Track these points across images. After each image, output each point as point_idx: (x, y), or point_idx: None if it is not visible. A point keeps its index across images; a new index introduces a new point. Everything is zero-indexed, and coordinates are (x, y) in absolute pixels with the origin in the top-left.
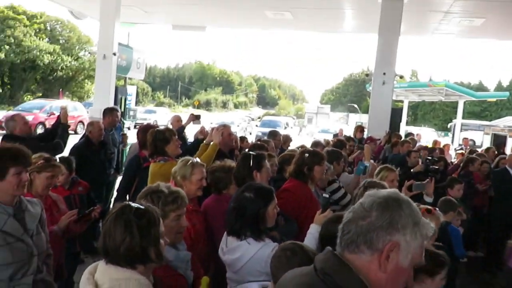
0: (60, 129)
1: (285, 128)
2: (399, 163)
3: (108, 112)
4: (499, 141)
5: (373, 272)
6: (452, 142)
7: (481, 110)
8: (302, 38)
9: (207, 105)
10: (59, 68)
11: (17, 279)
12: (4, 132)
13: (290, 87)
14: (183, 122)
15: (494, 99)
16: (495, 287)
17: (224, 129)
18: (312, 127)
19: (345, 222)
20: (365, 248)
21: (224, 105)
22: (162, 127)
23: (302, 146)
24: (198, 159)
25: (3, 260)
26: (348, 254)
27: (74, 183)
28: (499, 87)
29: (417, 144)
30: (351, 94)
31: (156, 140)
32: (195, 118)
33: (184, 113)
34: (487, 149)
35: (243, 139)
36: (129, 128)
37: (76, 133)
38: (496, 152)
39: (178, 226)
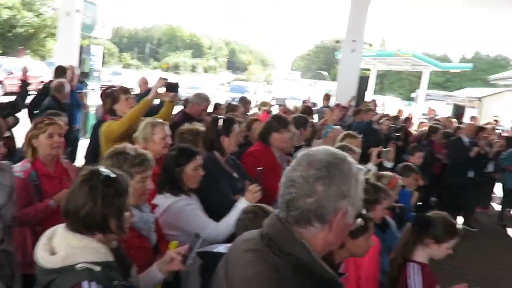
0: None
1: (254, 93)
2: (363, 130)
3: (59, 72)
4: (459, 111)
5: (321, 239)
6: (416, 111)
7: (445, 81)
8: (275, 4)
9: (176, 68)
10: (19, 24)
11: None
12: None
13: (261, 53)
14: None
15: (458, 70)
16: None
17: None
18: (281, 93)
19: (289, 198)
20: (316, 223)
21: (194, 69)
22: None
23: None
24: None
25: None
26: (297, 228)
27: None
28: (463, 59)
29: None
30: (321, 61)
31: (106, 99)
32: (170, 87)
33: (153, 75)
34: (445, 118)
35: (217, 106)
36: (93, 90)
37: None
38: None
39: (143, 189)
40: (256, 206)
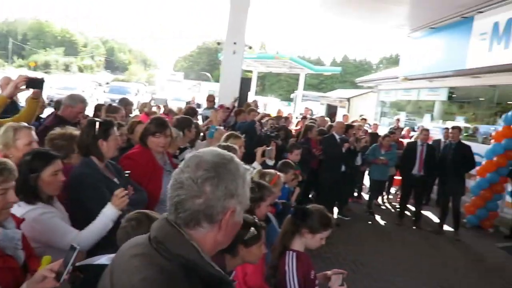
0: None
1: (136, 95)
2: (246, 130)
3: None
4: (331, 110)
5: (210, 238)
6: (294, 111)
7: (319, 83)
8: (155, 3)
9: (46, 67)
10: None
11: None
12: None
13: (142, 53)
14: None
15: (330, 73)
16: None
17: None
18: (164, 94)
19: (178, 200)
20: (205, 224)
21: (67, 68)
22: None
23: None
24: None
25: None
26: (187, 229)
27: None
28: (334, 63)
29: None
30: (204, 62)
31: None
32: (32, 83)
33: (18, 74)
34: (320, 117)
35: (99, 107)
36: None
37: None
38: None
39: (4, 202)
40: (140, 213)
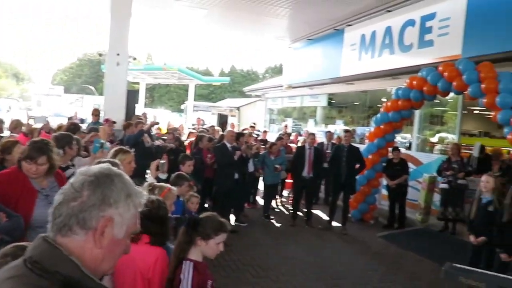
0: None
1: (8, 111)
2: (134, 142)
3: None
4: (223, 119)
5: (88, 251)
6: (186, 122)
7: (209, 93)
8: (21, 13)
9: None
10: None
11: None
12: None
13: (12, 66)
14: None
15: (219, 83)
16: None
17: None
18: (42, 110)
19: (55, 205)
20: (78, 229)
21: None
22: None
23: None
24: None
25: None
26: (61, 238)
27: None
28: (222, 73)
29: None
30: (87, 75)
31: None
32: None
33: None
34: (210, 127)
35: None
36: None
37: None
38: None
39: None
40: (15, 246)
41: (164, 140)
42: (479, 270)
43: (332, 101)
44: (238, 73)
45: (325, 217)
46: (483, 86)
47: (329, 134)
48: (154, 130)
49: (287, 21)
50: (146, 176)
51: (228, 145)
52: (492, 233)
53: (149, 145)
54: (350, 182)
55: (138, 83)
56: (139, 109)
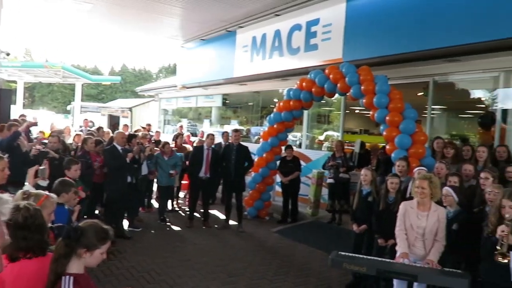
0: None
1: None
2: (8, 146)
3: None
4: (114, 121)
5: None
6: (73, 124)
7: (98, 93)
8: None
9: None
10: None
11: None
12: None
13: None
14: None
15: (109, 83)
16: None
17: None
18: None
19: None
20: None
21: None
22: None
23: None
24: None
25: None
26: None
27: None
28: (112, 72)
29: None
30: None
31: None
32: None
33: None
34: (98, 129)
35: None
36: None
37: None
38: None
39: None
40: None
41: (45, 144)
42: (360, 256)
43: (226, 101)
44: (130, 73)
45: (222, 216)
46: (362, 88)
47: (226, 135)
48: (34, 133)
49: (179, 20)
50: (25, 183)
51: (119, 147)
52: (371, 221)
53: (27, 149)
54: (239, 180)
55: (15, 82)
56: (16, 111)
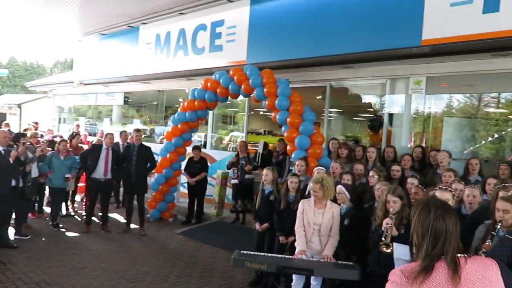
0: None
1: None
2: None
3: None
4: (0, 118)
5: None
6: None
7: None
8: None
9: None
10: None
11: None
12: None
13: None
14: None
15: None
16: None
17: None
18: None
19: None
20: None
21: None
22: None
23: None
24: None
25: None
26: None
27: None
28: None
29: None
30: None
31: None
32: None
33: None
34: None
35: None
36: None
37: None
38: None
39: None
40: None
41: None
42: (262, 254)
43: (129, 100)
44: (20, 66)
45: (123, 220)
46: (265, 90)
47: (124, 134)
48: None
49: (76, 11)
50: None
51: (1, 148)
52: (273, 219)
53: None
54: (140, 182)
55: None
56: None
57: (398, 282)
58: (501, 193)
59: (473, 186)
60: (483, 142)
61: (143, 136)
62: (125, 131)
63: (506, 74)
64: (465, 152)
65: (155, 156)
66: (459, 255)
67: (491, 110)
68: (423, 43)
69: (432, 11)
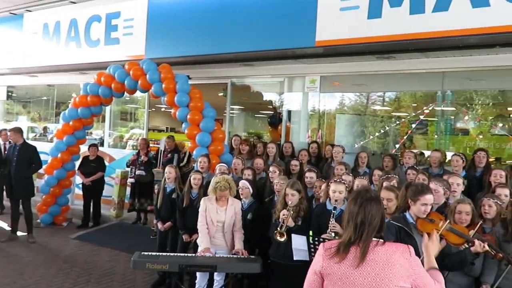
0: None
1: None
2: None
3: None
4: None
5: None
6: None
7: None
8: None
9: None
10: None
11: None
12: None
13: None
14: None
15: None
16: None
17: None
18: None
19: None
20: None
21: None
22: None
23: None
24: None
25: None
26: None
27: None
28: None
29: None
30: None
31: None
32: None
33: None
34: None
35: None
36: None
37: None
38: None
39: None
40: None
41: None
42: (163, 254)
43: (13, 94)
44: None
45: (8, 227)
46: (164, 86)
47: (4, 133)
48: None
49: None
50: None
51: None
52: (176, 218)
53: None
54: (22, 184)
55: None
56: None
57: (320, 253)
58: (385, 183)
59: (362, 177)
60: (371, 137)
61: (36, 135)
62: (4, 129)
63: (389, 75)
64: (355, 146)
65: (47, 156)
66: (375, 239)
67: (377, 108)
68: (316, 44)
69: (324, 14)
